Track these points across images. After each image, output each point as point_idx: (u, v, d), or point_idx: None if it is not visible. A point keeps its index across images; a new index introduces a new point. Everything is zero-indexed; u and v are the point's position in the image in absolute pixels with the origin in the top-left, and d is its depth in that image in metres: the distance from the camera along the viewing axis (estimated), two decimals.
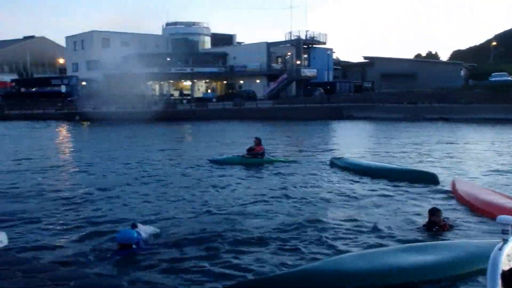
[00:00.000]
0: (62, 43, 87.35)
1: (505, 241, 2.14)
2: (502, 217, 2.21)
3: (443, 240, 8.64)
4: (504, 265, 2.01)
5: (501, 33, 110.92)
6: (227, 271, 7.42)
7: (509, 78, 57.08)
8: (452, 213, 10.80)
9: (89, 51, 75.21)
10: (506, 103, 47.86)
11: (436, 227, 9.19)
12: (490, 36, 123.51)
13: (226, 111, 53.52)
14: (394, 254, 7.26)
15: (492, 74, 59.41)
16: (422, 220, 9.79)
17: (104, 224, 10.11)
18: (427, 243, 8.21)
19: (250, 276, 7.15)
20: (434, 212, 9.36)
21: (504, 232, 2.14)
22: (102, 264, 7.65)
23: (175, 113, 53.36)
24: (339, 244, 8.64)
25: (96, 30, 76.71)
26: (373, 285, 6.58)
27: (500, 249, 2.09)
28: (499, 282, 1.95)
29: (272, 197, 12.75)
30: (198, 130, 41.03)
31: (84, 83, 72.59)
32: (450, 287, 6.88)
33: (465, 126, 40.06)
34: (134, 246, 7.96)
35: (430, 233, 9.11)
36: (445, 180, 14.55)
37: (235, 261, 7.87)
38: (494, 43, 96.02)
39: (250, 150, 18.84)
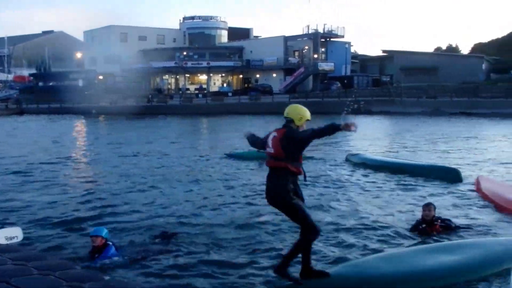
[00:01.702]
0: (81, 37, 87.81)
1: None
2: None
3: (460, 239, 8.25)
4: None
5: None
6: (232, 276, 6.92)
7: None
8: (475, 211, 10.49)
9: (107, 45, 75.33)
10: None
11: (424, 225, 8.60)
12: None
13: (242, 106, 53.32)
14: (417, 255, 6.90)
15: None
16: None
17: (116, 219, 9.86)
18: (449, 242, 7.86)
19: (262, 285, 6.64)
20: (423, 207, 8.84)
21: None
22: (117, 263, 7.29)
23: (191, 107, 53.32)
24: (354, 243, 8.30)
25: (114, 25, 76.88)
26: None
27: None
28: None
29: None
30: (214, 124, 40.90)
31: (101, 77, 72.86)
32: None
33: (488, 121, 39.45)
34: (110, 243, 7.40)
35: (416, 232, 8.62)
36: (468, 176, 14.11)
37: (241, 266, 7.30)
38: None
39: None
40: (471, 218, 9.84)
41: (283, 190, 5.67)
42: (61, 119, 47.28)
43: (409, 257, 6.82)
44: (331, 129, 5.49)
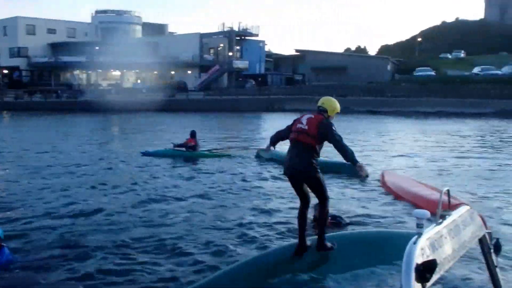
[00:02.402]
0: None
1: (419, 234, 2.11)
2: (418, 211, 2.19)
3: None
4: (418, 259, 2.00)
5: (427, 29, 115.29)
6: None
7: (433, 73, 59.57)
8: (380, 204, 10.90)
9: (13, 37, 72.03)
10: (431, 97, 50.05)
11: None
12: (416, 32, 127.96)
13: (157, 103, 52.72)
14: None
15: (417, 68, 61.66)
16: (347, 213, 9.81)
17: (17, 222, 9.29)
18: (351, 231, 8.05)
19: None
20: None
21: (419, 226, 2.13)
22: (12, 268, 6.76)
23: (103, 104, 52.10)
24: (261, 240, 8.33)
25: (20, 16, 73.56)
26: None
27: (415, 243, 2.06)
28: (413, 275, 1.95)
29: (194, 194, 12.04)
30: (128, 121, 40.16)
31: (5, 71, 69.62)
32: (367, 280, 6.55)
33: (392, 118, 41.36)
34: (4, 244, 6.75)
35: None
36: (375, 171, 14.63)
37: (144, 268, 7.02)
38: (419, 39, 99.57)
39: (183, 145, 18.53)
40: (373, 212, 10.20)
41: (312, 165, 6.17)
42: None
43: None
44: (351, 158, 6.20)
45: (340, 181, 13.59)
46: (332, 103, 6.52)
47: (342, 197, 11.68)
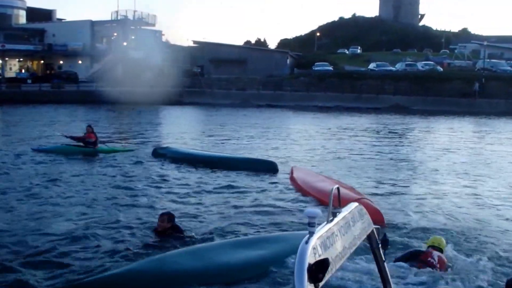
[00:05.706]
0: None
1: (311, 234, 1.94)
2: (309, 211, 2.04)
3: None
4: (311, 258, 1.90)
5: (325, 25, 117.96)
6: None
7: (330, 68, 60.65)
8: (290, 201, 10.83)
9: None
10: (329, 92, 50.88)
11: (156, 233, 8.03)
12: (314, 27, 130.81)
13: (43, 94, 49.39)
14: (221, 249, 7.11)
15: (316, 63, 62.45)
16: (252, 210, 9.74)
17: None
18: (251, 237, 8.13)
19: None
20: (159, 216, 8.09)
21: (311, 225, 1.98)
22: None
23: None
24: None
25: None
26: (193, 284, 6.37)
27: (307, 242, 1.94)
28: (306, 275, 1.87)
29: (89, 194, 11.59)
30: (12, 114, 36.91)
31: None
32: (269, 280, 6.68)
33: (292, 112, 41.63)
34: None
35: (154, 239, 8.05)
36: (284, 167, 14.54)
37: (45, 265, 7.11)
38: (318, 34, 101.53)
39: (81, 138, 16.84)
40: (279, 209, 10.16)
41: None
42: None
43: (213, 251, 7.04)
44: None
45: (249, 179, 13.20)
46: (444, 243, 7.18)
47: (251, 195, 11.40)
